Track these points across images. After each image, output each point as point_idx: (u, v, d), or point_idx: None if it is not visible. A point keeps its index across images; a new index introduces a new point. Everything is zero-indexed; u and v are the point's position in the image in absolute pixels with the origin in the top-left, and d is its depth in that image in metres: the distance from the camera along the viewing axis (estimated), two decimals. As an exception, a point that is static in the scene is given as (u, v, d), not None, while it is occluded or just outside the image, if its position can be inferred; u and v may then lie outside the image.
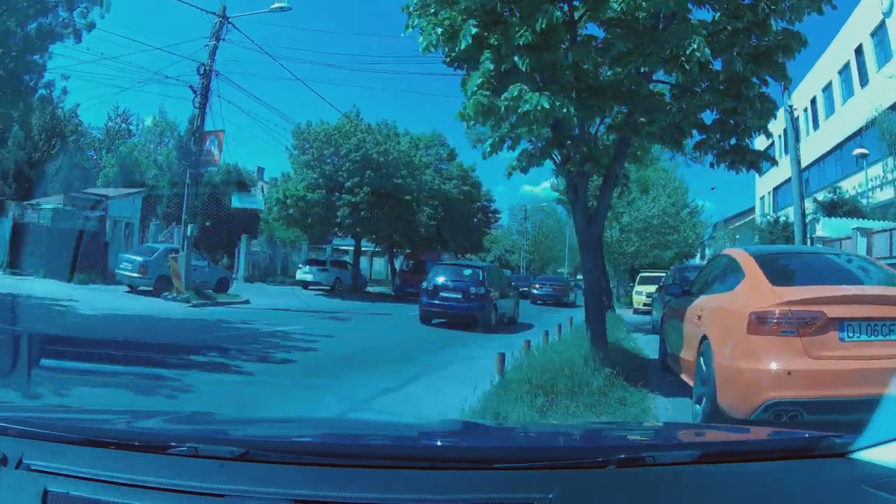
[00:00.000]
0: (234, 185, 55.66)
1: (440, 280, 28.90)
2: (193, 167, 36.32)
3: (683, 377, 12.25)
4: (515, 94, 12.33)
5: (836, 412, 7.82)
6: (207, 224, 47.88)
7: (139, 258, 34.08)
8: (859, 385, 7.74)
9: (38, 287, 29.57)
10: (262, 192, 61.06)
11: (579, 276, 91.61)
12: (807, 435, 3.62)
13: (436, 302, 28.64)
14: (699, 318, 11.20)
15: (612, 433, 4.43)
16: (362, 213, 46.63)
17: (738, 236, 62.98)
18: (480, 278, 28.76)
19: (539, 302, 52.93)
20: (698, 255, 62.82)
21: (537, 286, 57.06)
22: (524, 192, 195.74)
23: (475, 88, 12.90)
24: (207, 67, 34.76)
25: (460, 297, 28.22)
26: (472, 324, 26.87)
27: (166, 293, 32.18)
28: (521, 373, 11.89)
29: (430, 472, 2.80)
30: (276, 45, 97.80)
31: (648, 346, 20.20)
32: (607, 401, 11.06)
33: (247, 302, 34.63)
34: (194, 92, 34.94)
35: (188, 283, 32.76)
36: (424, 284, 29.40)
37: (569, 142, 15.35)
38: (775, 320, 8.74)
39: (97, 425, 3.39)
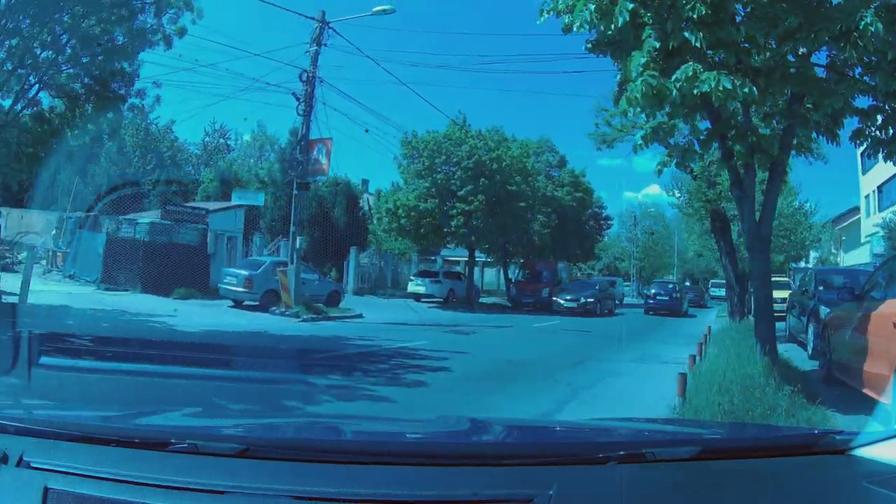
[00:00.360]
0: (343, 195, 55.07)
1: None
2: (301, 177, 34.68)
3: (867, 392, 11.18)
4: (689, 73, 11.16)
5: None
6: (314, 236, 46.20)
7: (244, 272, 32.83)
8: None
9: (135, 303, 29.28)
10: (368, 204, 60.78)
11: (687, 283, 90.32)
12: (807, 432, 4.06)
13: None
14: None
15: (611, 429, 4.33)
16: (476, 221, 45.03)
17: (844, 238, 60.49)
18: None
19: (650, 312, 51.24)
20: (804, 258, 60.51)
21: (653, 294, 54.49)
22: (626, 198, 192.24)
23: (640, 69, 11.49)
24: (310, 74, 33.54)
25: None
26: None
27: (274, 308, 30.74)
28: (703, 395, 10.76)
29: (430, 469, 2.82)
30: (380, 49, 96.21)
31: (787, 355, 17.85)
32: (796, 422, 9.79)
33: (360, 316, 33.06)
34: (297, 99, 33.67)
35: (297, 298, 31.26)
36: None
37: (732, 132, 14.07)
38: None
39: (97, 422, 3.43)
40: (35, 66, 21.94)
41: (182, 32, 23.73)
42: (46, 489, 2.63)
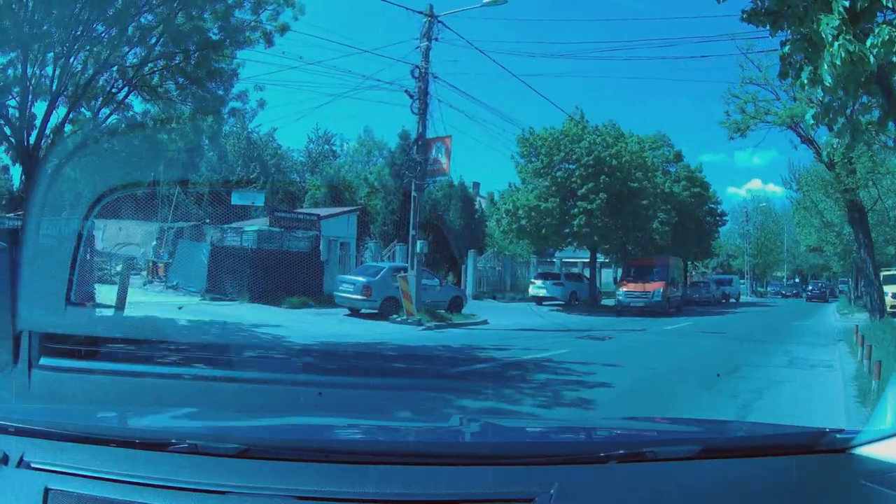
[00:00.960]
0: (458, 198, 55.05)
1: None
2: (419, 178, 33.34)
3: None
4: (885, 37, 9.74)
5: None
6: (429, 240, 44.37)
7: (362, 279, 31.53)
8: None
9: (244, 313, 28.43)
10: (481, 207, 60.67)
11: (796, 279, 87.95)
12: (807, 431, 3.64)
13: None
14: None
15: (612, 429, 4.44)
16: (598, 220, 43.75)
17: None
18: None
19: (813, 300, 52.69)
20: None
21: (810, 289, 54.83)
22: (728, 194, 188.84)
23: (833, 32, 10.00)
24: (423, 70, 32.22)
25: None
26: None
27: (394, 316, 29.40)
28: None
29: (432, 469, 2.85)
30: (491, 41, 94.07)
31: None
32: None
33: (485, 322, 31.64)
34: (411, 97, 32.33)
35: (419, 304, 29.85)
36: None
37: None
38: None
39: (98, 423, 3.53)
40: (122, 69, 21.47)
41: (284, 29, 22.76)
42: (47, 490, 2.60)
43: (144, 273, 43.30)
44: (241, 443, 2.93)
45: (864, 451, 2.98)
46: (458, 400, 12.75)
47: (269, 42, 22.75)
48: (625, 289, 44.64)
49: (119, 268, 35.91)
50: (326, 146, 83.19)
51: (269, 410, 7.25)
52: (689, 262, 63.94)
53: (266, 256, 35.93)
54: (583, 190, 43.04)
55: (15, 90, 20.48)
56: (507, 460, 2.94)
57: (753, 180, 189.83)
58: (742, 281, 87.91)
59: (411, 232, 32.41)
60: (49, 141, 20.96)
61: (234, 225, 43.16)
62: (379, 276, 31.46)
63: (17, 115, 20.69)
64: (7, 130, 20.87)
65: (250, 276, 34.61)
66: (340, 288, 31.78)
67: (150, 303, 27.93)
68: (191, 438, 2.91)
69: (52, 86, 20.64)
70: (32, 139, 20.52)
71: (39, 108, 21.01)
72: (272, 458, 2.81)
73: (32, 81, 20.46)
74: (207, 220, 46.05)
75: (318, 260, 38.67)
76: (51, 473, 2.70)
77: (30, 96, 20.55)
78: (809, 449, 3.10)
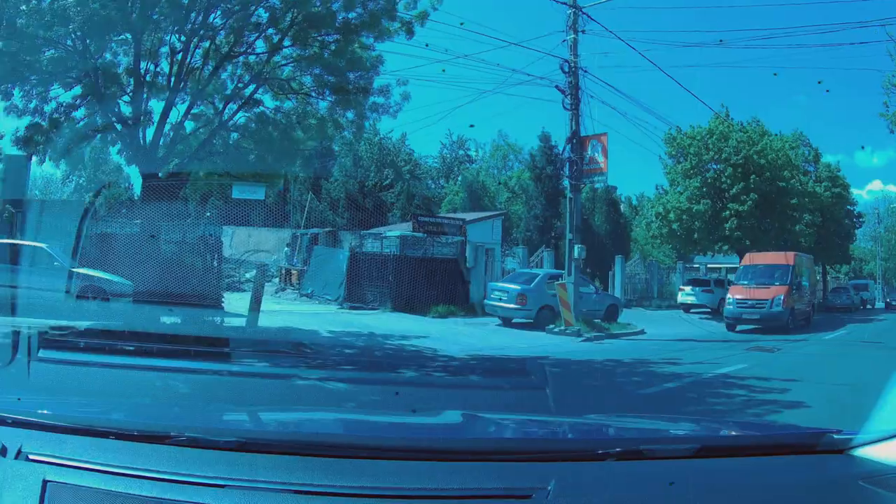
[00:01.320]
0: (602, 202, 54.37)
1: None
2: (575, 178, 31.71)
3: None
4: None
5: None
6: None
7: (516, 287, 30.00)
8: None
9: (388, 323, 27.57)
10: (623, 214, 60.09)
11: None
12: (805, 431, 3.66)
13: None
14: None
15: (610, 426, 4.40)
16: (748, 222, 42.39)
17: None
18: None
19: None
20: None
21: None
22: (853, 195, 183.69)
23: None
24: (572, 64, 30.81)
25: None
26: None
27: (551, 326, 27.73)
28: None
29: (430, 463, 2.83)
30: (632, 31, 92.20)
31: None
32: None
33: (642, 332, 30.23)
34: (563, 93, 30.83)
35: (577, 314, 28.16)
36: None
37: None
38: None
39: (96, 415, 3.48)
40: (248, 63, 21.60)
41: (423, 17, 22.40)
42: (45, 481, 2.59)
43: (276, 280, 43.25)
44: (240, 436, 2.96)
45: (863, 452, 2.98)
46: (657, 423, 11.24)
47: (410, 32, 22.27)
48: (736, 295, 34.15)
49: (248, 275, 36.50)
50: (461, 151, 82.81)
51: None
52: (827, 267, 62.01)
53: (409, 263, 34.90)
54: (734, 190, 41.92)
55: (128, 87, 20.17)
56: (505, 456, 2.98)
57: (874, 181, 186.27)
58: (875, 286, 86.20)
59: (568, 236, 30.92)
60: (168, 139, 20.72)
61: (372, 231, 43.66)
62: (534, 283, 30.15)
63: (131, 111, 20.21)
64: (118, 126, 20.50)
65: (392, 283, 33.69)
66: (492, 296, 30.48)
67: (282, 311, 27.68)
68: (190, 431, 2.93)
69: (169, 81, 20.61)
70: (149, 137, 20.07)
71: (157, 106, 20.68)
72: (271, 451, 2.83)
73: (147, 77, 20.24)
74: (344, 227, 45.61)
75: (464, 267, 37.25)
76: (49, 465, 2.69)
77: (144, 92, 20.19)
78: (807, 449, 3.14)
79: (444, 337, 23.31)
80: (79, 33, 18.83)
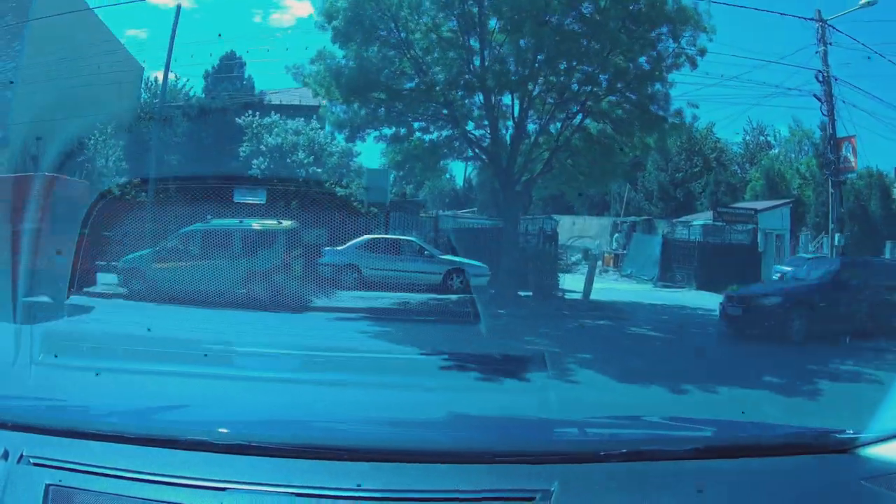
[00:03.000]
0: (877, 188, 54.00)
1: None
2: (834, 175, 35.67)
3: None
4: None
5: None
6: (851, 231, 46.13)
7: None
8: None
9: (692, 298, 31.06)
10: None
11: None
12: (809, 431, 3.72)
13: None
14: None
15: (613, 427, 4.38)
16: None
17: None
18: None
19: None
20: None
21: None
22: None
23: None
24: (825, 73, 33.90)
25: None
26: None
27: None
28: None
29: (434, 466, 2.91)
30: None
31: None
32: None
33: None
34: (819, 100, 34.28)
35: None
36: None
37: None
38: None
39: (98, 419, 3.46)
40: (575, 98, 25.06)
41: (703, 52, 25.26)
42: (47, 485, 2.69)
43: (600, 263, 45.42)
44: (242, 439, 3.00)
45: (867, 451, 3.04)
46: None
47: (693, 64, 25.57)
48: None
49: (573, 258, 41.66)
50: (762, 137, 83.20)
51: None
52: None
53: (710, 248, 38.76)
54: None
55: (485, 122, 25.53)
56: (509, 458, 3.01)
57: None
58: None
59: (831, 226, 34.82)
60: (519, 161, 25.65)
61: (682, 219, 45.50)
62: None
63: (490, 140, 25.59)
64: (475, 150, 26.37)
65: (696, 265, 37.47)
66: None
67: (606, 288, 31.42)
68: (190, 434, 3.00)
69: (513, 113, 25.48)
70: (505, 160, 25.13)
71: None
72: (273, 454, 2.90)
73: (496, 111, 25.10)
74: (657, 216, 48.79)
75: (756, 251, 39.81)
76: (51, 469, 2.77)
77: (500, 127, 25.35)
78: (811, 449, 3.20)
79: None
80: (442, 94, 24.55)
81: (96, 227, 18.72)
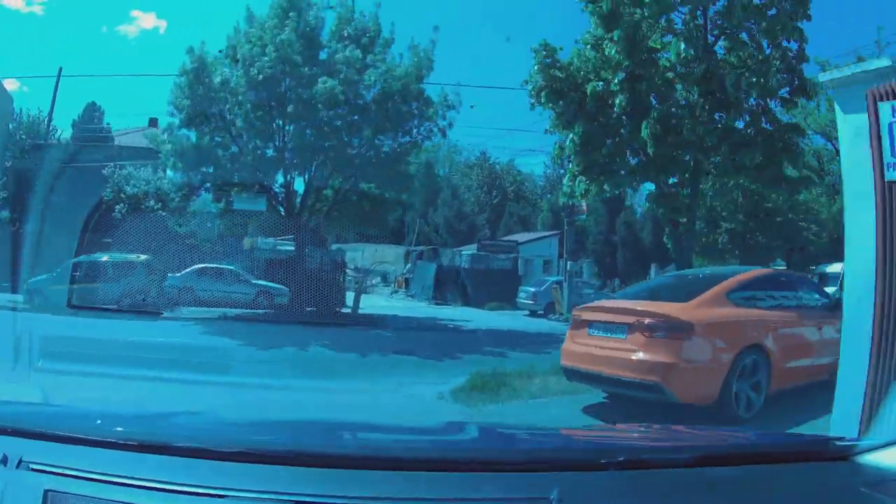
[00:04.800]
0: (650, 220, 59.42)
1: None
2: (568, 217, 42.84)
3: None
4: None
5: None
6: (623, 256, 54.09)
7: (532, 289, 40.67)
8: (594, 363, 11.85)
9: (454, 313, 37.43)
10: None
11: None
12: (809, 438, 3.91)
13: None
14: None
15: (612, 435, 4.39)
16: None
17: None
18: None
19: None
20: None
21: None
22: None
23: None
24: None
25: None
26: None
27: (552, 315, 37.01)
28: None
29: (431, 474, 2.79)
30: None
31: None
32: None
33: None
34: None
35: (569, 307, 32.40)
36: None
37: None
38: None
39: (97, 425, 3.37)
40: (349, 165, 31.01)
41: (451, 125, 31.41)
42: (46, 491, 2.63)
43: (393, 285, 53.85)
44: (241, 445, 2.94)
45: (867, 458, 3.00)
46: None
47: (444, 135, 32.29)
48: None
49: (377, 280, 49.17)
50: (562, 170, 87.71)
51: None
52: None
53: (476, 273, 46.41)
54: None
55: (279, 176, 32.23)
56: (507, 466, 2.92)
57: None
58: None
59: (565, 255, 40.96)
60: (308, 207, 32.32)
61: (460, 248, 52.23)
62: (543, 287, 39.65)
63: (284, 194, 32.61)
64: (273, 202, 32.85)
65: (464, 287, 44.99)
66: (521, 296, 40.73)
67: (388, 306, 38.41)
68: (189, 441, 2.94)
69: (304, 177, 32.16)
70: (296, 209, 32.19)
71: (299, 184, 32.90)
72: (273, 461, 2.82)
73: (291, 176, 32.42)
74: (442, 244, 55.17)
75: (516, 275, 48.13)
76: (50, 475, 2.72)
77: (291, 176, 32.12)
78: (810, 456, 3.15)
79: (477, 320, 32.22)
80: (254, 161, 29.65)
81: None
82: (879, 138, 7.83)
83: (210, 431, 3.55)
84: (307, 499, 2.59)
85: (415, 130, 31.36)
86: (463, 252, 51.81)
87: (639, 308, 11.90)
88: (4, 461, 2.74)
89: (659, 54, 23.16)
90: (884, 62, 8.52)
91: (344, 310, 33.26)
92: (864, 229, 8.09)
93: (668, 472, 2.90)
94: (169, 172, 33.85)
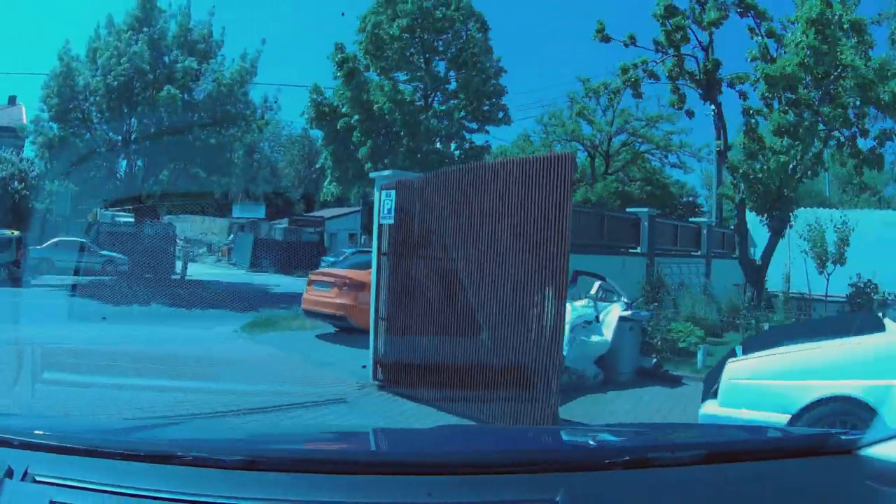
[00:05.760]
0: None
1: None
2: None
3: None
4: None
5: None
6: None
7: (331, 259, 41.54)
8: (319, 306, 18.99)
9: (267, 279, 42.60)
10: None
11: None
12: (812, 433, 4.03)
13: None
14: None
15: (616, 435, 4.28)
16: None
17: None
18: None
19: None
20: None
21: None
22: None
23: None
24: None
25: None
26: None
27: None
28: None
29: (437, 478, 2.77)
30: None
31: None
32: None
33: None
34: None
35: None
36: None
37: None
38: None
39: (102, 435, 3.35)
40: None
41: (267, 124, 38.67)
42: (52, 503, 2.58)
43: (219, 254, 59.65)
44: (247, 454, 2.88)
45: (871, 451, 3.00)
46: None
47: (261, 131, 40.10)
48: None
49: (203, 250, 52.84)
50: None
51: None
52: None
53: (286, 244, 51.92)
54: None
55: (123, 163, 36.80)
56: (511, 468, 2.88)
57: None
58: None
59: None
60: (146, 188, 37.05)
61: (274, 222, 59.96)
62: (342, 258, 32.23)
63: (126, 173, 36.59)
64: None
65: (277, 255, 49.56)
66: (322, 265, 37.11)
67: (211, 273, 42.78)
68: (196, 450, 2.87)
69: (143, 161, 36.39)
70: (136, 189, 36.02)
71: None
72: (279, 469, 2.77)
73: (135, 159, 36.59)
74: (262, 218, 60.00)
75: (322, 247, 54.01)
76: (56, 487, 2.67)
77: (134, 161, 36.68)
78: (815, 451, 3.13)
79: (284, 284, 36.74)
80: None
81: None
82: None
83: (216, 441, 3.55)
84: None
85: (234, 128, 37.13)
86: (277, 225, 57.14)
87: (339, 273, 19.88)
88: (10, 473, 2.71)
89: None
90: None
91: (173, 276, 37.55)
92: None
93: (674, 471, 2.94)
94: (33, 156, 38.16)
